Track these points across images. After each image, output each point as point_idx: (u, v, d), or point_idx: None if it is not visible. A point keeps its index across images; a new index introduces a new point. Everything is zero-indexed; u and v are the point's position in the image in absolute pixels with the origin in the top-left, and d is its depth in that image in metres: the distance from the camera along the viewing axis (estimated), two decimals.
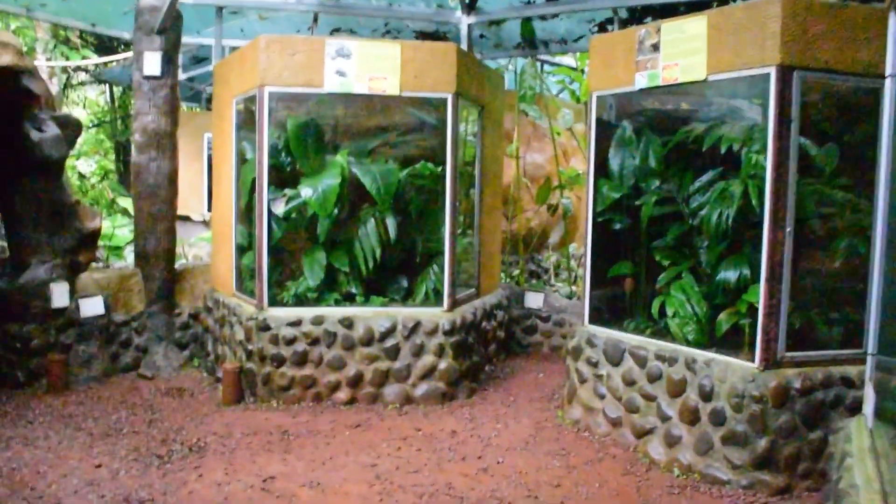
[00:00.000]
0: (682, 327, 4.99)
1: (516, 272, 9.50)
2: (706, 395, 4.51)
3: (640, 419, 4.97)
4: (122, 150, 16.39)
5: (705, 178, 5.21)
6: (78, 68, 15.09)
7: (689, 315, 4.99)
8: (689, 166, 5.35)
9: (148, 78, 6.76)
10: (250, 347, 5.86)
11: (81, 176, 16.18)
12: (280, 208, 5.93)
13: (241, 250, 6.46)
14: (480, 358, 6.53)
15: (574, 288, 8.73)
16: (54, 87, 13.34)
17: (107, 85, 16.85)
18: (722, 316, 4.84)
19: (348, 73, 5.76)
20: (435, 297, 6.28)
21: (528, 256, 10.69)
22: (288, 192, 6.07)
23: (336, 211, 6.06)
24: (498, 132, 7.30)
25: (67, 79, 16.48)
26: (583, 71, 10.64)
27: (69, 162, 15.84)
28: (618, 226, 5.63)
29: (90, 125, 17.10)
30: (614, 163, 5.60)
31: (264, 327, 5.79)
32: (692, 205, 5.22)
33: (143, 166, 6.83)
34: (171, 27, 6.78)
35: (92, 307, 6.56)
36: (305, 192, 5.92)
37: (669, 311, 5.09)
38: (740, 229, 4.83)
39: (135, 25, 6.81)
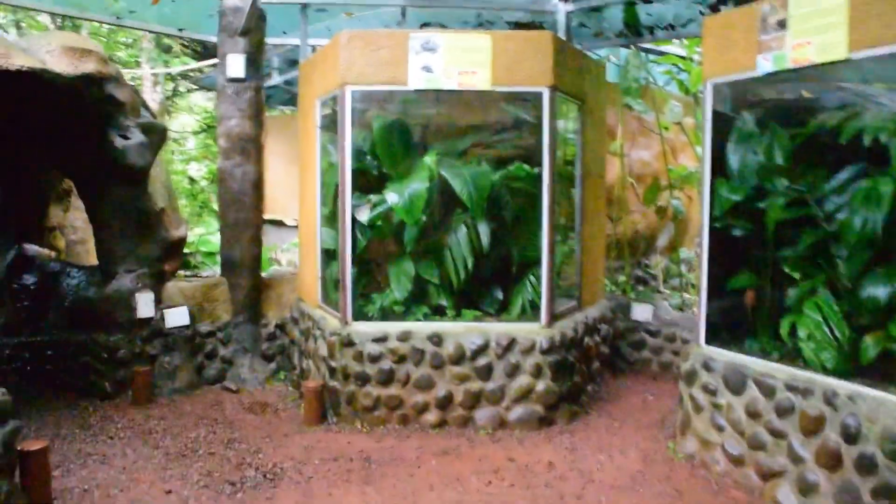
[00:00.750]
0: (817, 352, 4.26)
1: (621, 279, 8.83)
2: (850, 437, 3.79)
3: (766, 458, 4.28)
4: None
5: (844, 175, 4.47)
6: (184, 75, 15.37)
7: (827, 338, 4.26)
8: (824, 162, 4.62)
9: (232, 81, 6.53)
10: (333, 364, 5.50)
11: (192, 180, 16.50)
12: (364, 215, 5.55)
13: (326, 259, 6.12)
14: (582, 378, 5.95)
15: (686, 296, 7.99)
16: (159, 95, 13.56)
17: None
18: (868, 340, 4.09)
19: (435, 69, 5.31)
20: (532, 311, 5.76)
21: (635, 262, 9.98)
22: (373, 197, 5.68)
23: (424, 218, 5.63)
24: (600, 128, 6.69)
25: (175, 86, 16.84)
26: (692, 59, 9.84)
27: (180, 167, 16.30)
28: (738, 232, 4.93)
29: (200, 130, 17.40)
30: (734, 160, 4.91)
31: (348, 343, 5.41)
32: (828, 207, 4.49)
33: (227, 172, 6.61)
34: (254, 28, 6.53)
35: (177, 317, 6.38)
36: (391, 197, 5.51)
37: (802, 333, 4.37)
38: (892, 237, 4.08)
39: (218, 27, 6.59)
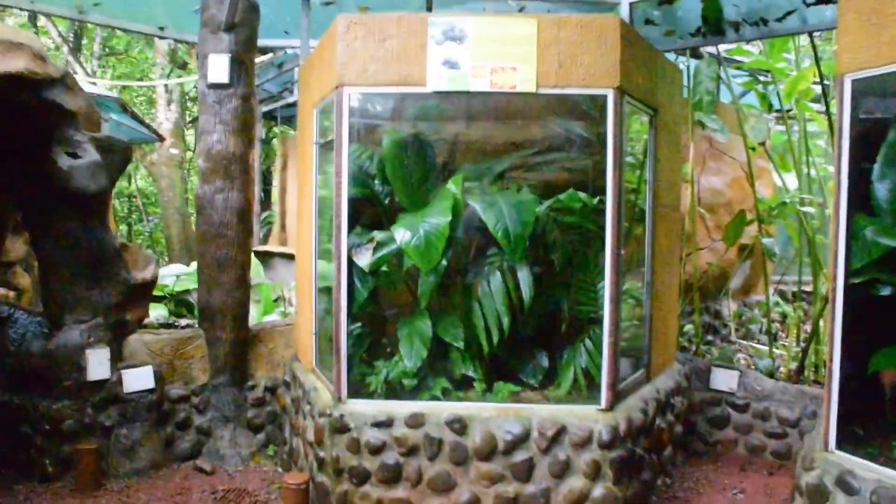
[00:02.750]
0: None
1: (687, 327, 7.35)
2: None
3: None
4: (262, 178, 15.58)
5: None
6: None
7: None
8: None
9: (213, 87, 5.28)
10: (322, 454, 4.14)
11: None
12: (365, 259, 4.19)
13: (323, 309, 4.78)
14: (652, 472, 4.50)
15: (780, 357, 6.46)
16: (173, 115, 12.50)
17: None
18: None
19: (462, 64, 3.98)
20: (587, 385, 4.35)
21: (703, 307, 8.47)
22: (378, 235, 4.33)
23: (445, 262, 4.27)
24: (675, 148, 5.28)
25: (186, 102, 15.83)
26: (768, 72, 8.38)
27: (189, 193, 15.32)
28: (888, 290, 3.49)
29: None
30: (883, 188, 3.47)
31: (341, 428, 4.05)
32: None
33: (206, 199, 5.34)
34: (242, 23, 5.28)
35: (139, 379, 5.09)
36: (401, 235, 4.16)
37: None
38: None
39: (200, 22, 5.36)
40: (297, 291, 5.53)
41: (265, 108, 11.75)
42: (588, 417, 4.05)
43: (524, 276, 4.37)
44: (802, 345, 6.41)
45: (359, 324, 4.43)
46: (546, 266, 4.59)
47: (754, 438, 5.39)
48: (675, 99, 5.25)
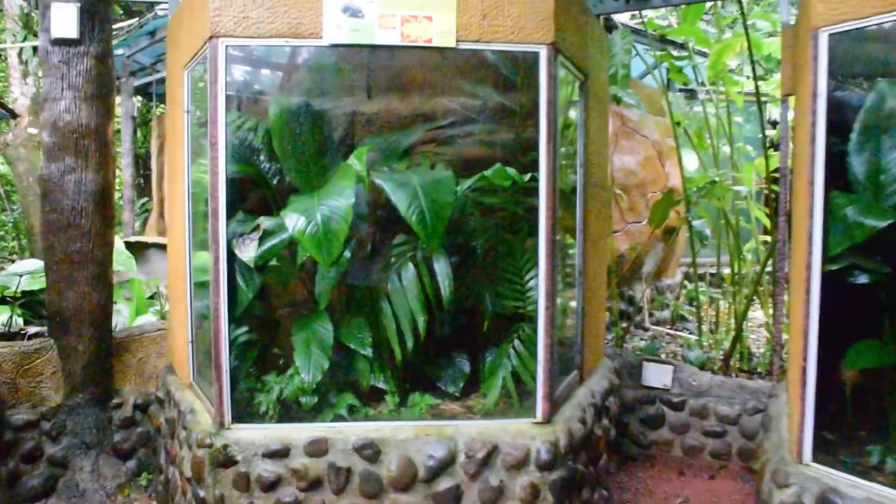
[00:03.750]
0: None
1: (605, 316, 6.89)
2: None
3: None
4: (140, 162, 14.14)
5: None
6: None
7: None
8: None
9: (59, 43, 4.33)
10: (203, 494, 3.36)
11: None
12: (249, 252, 3.40)
13: (200, 314, 3.97)
14: (591, 488, 3.94)
15: (708, 346, 6.06)
16: (31, 89, 11.06)
17: None
18: None
19: (366, 12, 3.25)
20: (519, 394, 3.73)
21: (618, 292, 8.07)
22: (265, 221, 3.54)
23: (348, 253, 3.54)
24: (602, 119, 4.72)
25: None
26: (681, 46, 8.03)
27: None
28: (865, 278, 3.02)
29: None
30: (860, 163, 2.99)
31: (225, 461, 3.28)
32: None
33: (53, 181, 4.39)
34: None
35: None
36: (293, 221, 3.39)
37: None
38: None
39: None
40: (171, 291, 4.66)
41: (137, 82, 10.55)
42: (523, 434, 3.43)
43: (442, 267, 3.69)
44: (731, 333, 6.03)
45: (244, 329, 3.65)
46: (466, 255, 3.94)
47: (691, 438, 4.93)
48: (604, 66, 4.69)
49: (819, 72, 2.91)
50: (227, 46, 3.29)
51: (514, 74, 3.79)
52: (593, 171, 4.30)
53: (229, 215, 3.36)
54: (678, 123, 6.07)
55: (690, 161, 7.50)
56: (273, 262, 3.61)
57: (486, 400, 3.77)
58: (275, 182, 3.86)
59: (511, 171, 3.57)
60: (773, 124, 9.14)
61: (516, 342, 3.81)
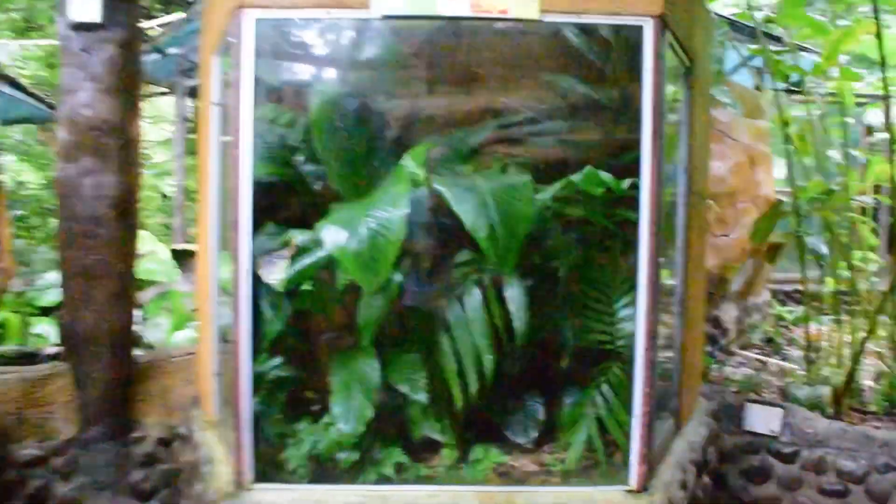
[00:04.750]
0: None
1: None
2: None
3: None
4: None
5: None
6: None
7: None
8: None
9: (80, 28, 3.80)
10: None
11: (165, 196, 13.82)
12: (276, 273, 2.77)
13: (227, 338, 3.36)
14: None
15: (813, 379, 5.21)
16: None
17: None
18: None
19: None
20: (606, 450, 3.02)
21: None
22: (298, 236, 2.91)
23: (399, 276, 2.89)
24: (706, 116, 3.98)
25: None
26: (778, 39, 7.16)
27: (151, 181, 13.64)
28: None
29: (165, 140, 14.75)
30: None
31: None
32: None
33: (69, 184, 3.86)
34: None
35: None
36: (333, 235, 2.73)
37: None
38: None
39: None
40: (199, 311, 4.09)
41: (191, 83, 10.12)
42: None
43: (516, 293, 3.00)
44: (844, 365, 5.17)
45: (272, 365, 3.02)
46: (543, 278, 3.24)
47: (805, 497, 4.13)
48: (709, 53, 3.96)
49: None
50: (256, 19, 2.68)
51: (605, 59, 3.09)
52: (697, 178, 3.56)
53: (256, 227, 2.75)
54: (786, 124, 5.23)
55: (784, 168, 6.71)
56: (306, 287, 2.98)
57: (566, 456, 3.06)
58: (315, 188, 3.23)
59: (605, 175, 2.86)
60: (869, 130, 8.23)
61: (604, 386, 3.10)
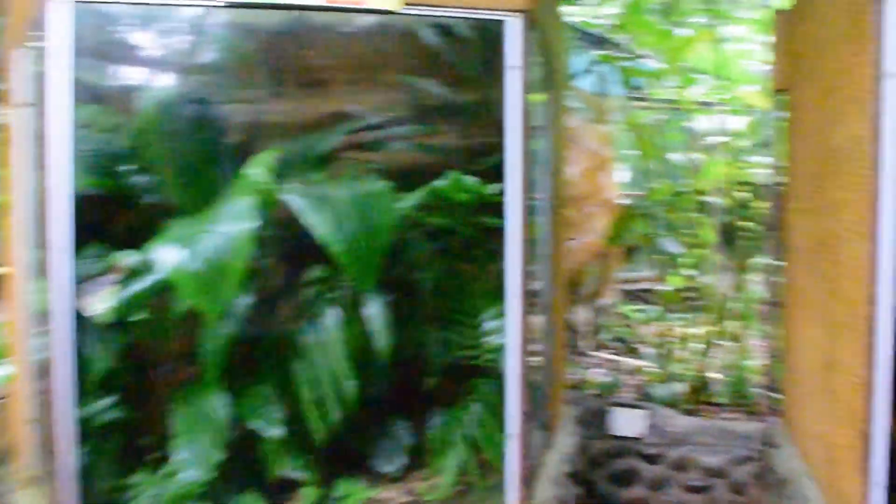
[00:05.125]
0: None
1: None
2: None
3: None
4: None
5: None
6: None
7: None
8: None
9: None
10: None
11: None
12: (99, 302, 2.40)
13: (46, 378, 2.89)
14: None
15: (668, 377, 5.32)
16: None
17: None
18: None
19: None
20: (481, 471, 2.85)
21: None
22: (124, 257, 2.54)
23: (247, 300, 2.58)
24: (562, 121, 3.93)
25: None
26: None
27: None
28: None
29: None
30: None
31: None
32: None
33: None
34: None
35: None
36: (167, 256, 2.40)
37: None
38: None
39: None
40: (12, 347, 3.55)
41: None
42: None
43: (377, 311, 2.77)
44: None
45: (104, 404, 2.62)
46: (406, 293, 3.03)
47: (671, 496, 4.16)
48: (565, 57, 3.91)
49: None
50: (74, 2, 2.30)
51: (466, 59, 2.94)
52: (558, 183, 3.48)
53: (78, 248, 2.36)
54: (633, 129, 5.34)
55: (627, 172, 6.94)
56: (137, 315, 2.60)
57: (438, 483, 2.86)
58: (146, 201, 2.86)
59: (470, 180, 2.69)
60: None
61: (474, 404, 2.93)
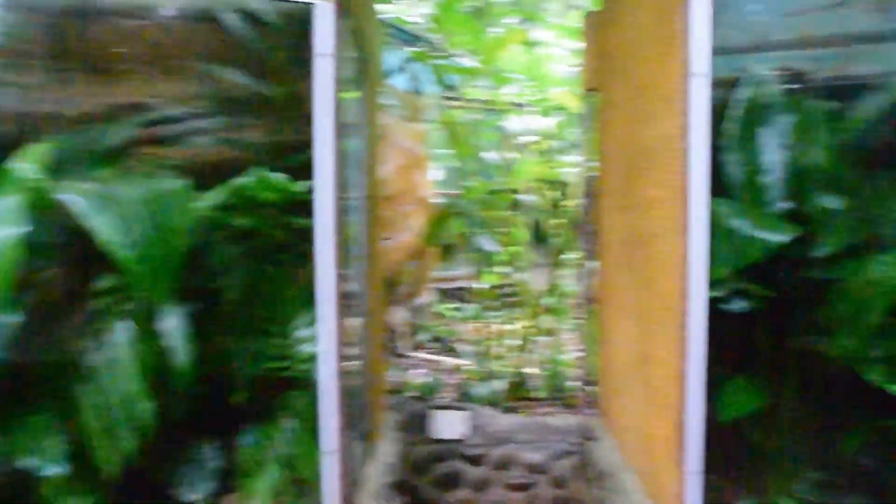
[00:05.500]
0: None
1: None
2: None
3: None
4: None
5: None
6: None
7: None
8: None
9: None
10: None
11: None
12: None
13: None
14: None
15: (488, 374, 5.35)
16: None
17: None
18: None
19: None
20: (297, 493, 2.64)
21: None
22: None
23: (17, 317, 2.22)
24: (378, 116, 3.79)
25: None
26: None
27: None
28: (743, 305, 2.39)
29: None
30: (738, 159, 2.34)
31: None
32: None
33: None
34: None
35: None
36: None
37: None
38: None
39: None
40: None
41: None
42: None
43: (175, 324, 2.49)
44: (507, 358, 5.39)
45: None
46: (208, 303, 2.75)
47: (494, 495, 4.15)
48: (379, 52, 3.77)
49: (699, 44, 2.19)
50: None
51: (274, 48, 2.71)
52: (373, 181, 3.34)
53: None
54: (448, 127, 5.31)
55: (442, 171, 6.97)
56: None
57: None
58: None
59: (278, 177, 2.47)
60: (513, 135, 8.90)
61: (287, 419, 2.72)
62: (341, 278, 2.46)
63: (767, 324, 2.58)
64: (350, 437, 2.86)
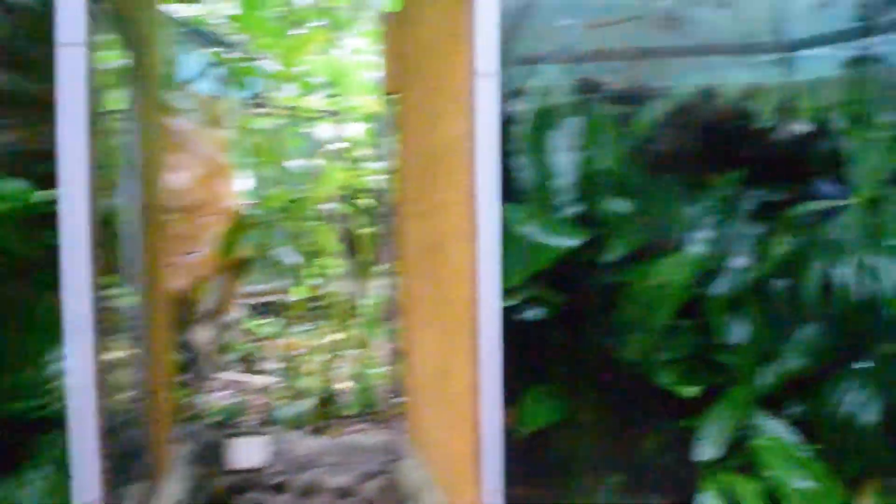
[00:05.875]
0: None
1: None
2: None
3: None
4: None
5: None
6: None
7: None
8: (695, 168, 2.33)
9: None
10: None
11: None
12: None
13: None
14: None
15: (294, 393, 5.05)
16: None
17: None
18: None
19: None
20: None
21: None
22: None
23: None
24: (159, 119, 3.43)
25: None
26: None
27: None
28: (539, 313, 2.33)
29: None
30: (530, 164, 2.28)
31: None
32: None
33: None
34: None
35: None
36: None
37: None
38: None
39: None
40: None
41: None
42: None
43: None
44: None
45: None
46: None
47: None
48: (160, 52, 3.42)
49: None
50: None
51: (18, 33, 2.33)
52: (154, 189, 3.00)
53: None
54: (249, 134, 5.01)
55: (250, 180, 6.63)
56: None
57: None
58: None
59: (15, 185, 2.09)
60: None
61: (39, 468, 2.33)
62: (99, 300, 2.13)
63: (565, 330, 2.54)
64: (121, 481, 2.51)
